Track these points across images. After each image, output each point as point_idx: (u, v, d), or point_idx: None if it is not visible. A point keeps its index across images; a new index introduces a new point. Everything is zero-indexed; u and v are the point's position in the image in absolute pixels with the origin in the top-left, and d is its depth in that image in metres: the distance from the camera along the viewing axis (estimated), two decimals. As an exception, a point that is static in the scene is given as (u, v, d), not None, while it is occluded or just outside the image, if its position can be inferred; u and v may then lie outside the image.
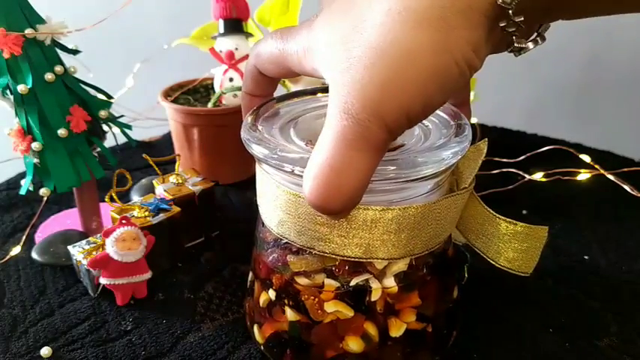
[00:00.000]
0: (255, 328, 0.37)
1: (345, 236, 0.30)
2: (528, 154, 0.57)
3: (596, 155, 0.59)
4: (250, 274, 0.39)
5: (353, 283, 0.32)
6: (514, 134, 0.73)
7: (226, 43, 0.56)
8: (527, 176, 0.55)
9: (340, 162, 0.23)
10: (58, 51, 0.44)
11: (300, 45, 0.28)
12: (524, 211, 0.55)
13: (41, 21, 0.42)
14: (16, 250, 0.47)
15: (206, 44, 0.60)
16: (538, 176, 0.55)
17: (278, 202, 0.32)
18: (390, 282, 0.33)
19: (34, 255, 0.47)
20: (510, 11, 0.22)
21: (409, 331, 0.34)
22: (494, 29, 0.23)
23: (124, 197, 0.54)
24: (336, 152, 0.23)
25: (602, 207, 0.55)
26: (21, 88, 0.41)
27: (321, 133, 0.24)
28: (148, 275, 0.42)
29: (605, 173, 0.53)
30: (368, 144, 0.23)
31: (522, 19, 0.22)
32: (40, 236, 0.50)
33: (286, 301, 0.34)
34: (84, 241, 0.44)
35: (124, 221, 0.41)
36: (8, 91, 0.43)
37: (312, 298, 0.33)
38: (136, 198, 0.53)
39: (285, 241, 0.33)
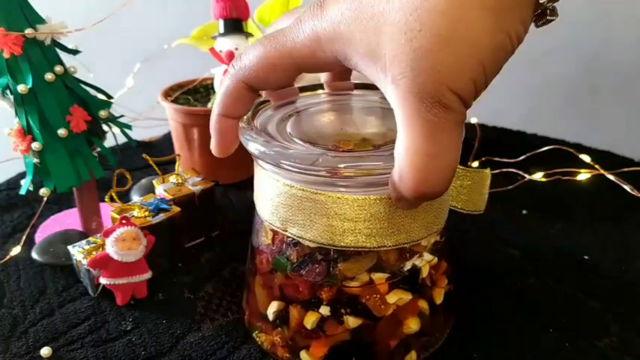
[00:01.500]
0: (303, 354, 0.35)
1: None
2: (528, 154, 0.57)
3: (596, 155, 0.59)
4: (273, 309, 0.35)
5: (408, 267, 0.34)
6: (514, 134, 0.73)
7: (226, 43, 0.56)
8: (527, 176, 0.55)
9: (435, 146, 0.25)
10: (58, 51, 0.44)
11: (310, 35, 0.27)
12: (524, 211, 0.55)
13: (41, 21, 0.42)
14: (16, 250, 0.47)
15: (206, 44, 0.60)
16: (538, 176, 0.55)
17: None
18: (429, 256, 0.35)
19: (34, 255, 0.47)
20: None
21: (445, 295, 0.37)
22: (538, 4, 0.25)
23: (124, 197, 0.54)
24: (429, 137, 0.25)
25: (602, 207, 0.55)
26: (21, 88, 0.41)
27: (399, 123, 0.25)
28: (148, 275, 0.42)
29: (605, 173, 0.53)
30: (455, 121, 0.25)
31: None
32: (40, 236, 0.50)
33: (343, 311, 0.33)
34: (84, 241, 0.44)
35: (124, 221, 0.41)
36: (8, 91, 0.43)
37: (375, 295, 0.33)
38: (136, 198, 0.53)
39: (316, 254, 0.33)
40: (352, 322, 0.33)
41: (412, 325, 0.35)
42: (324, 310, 0.33)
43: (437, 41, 0.23)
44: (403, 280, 0.34)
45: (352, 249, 0.32)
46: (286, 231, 0.32)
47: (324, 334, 0.34)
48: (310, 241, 0.32)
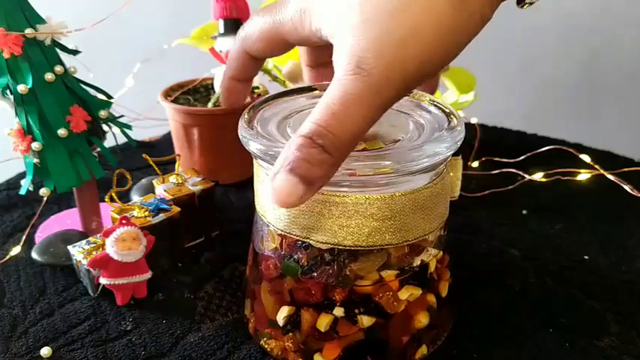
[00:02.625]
0: (317, 357, 0.35)
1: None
2: (528, 154, 0.57)
3: (596, 155, 0.59)
4: (284, 315, 0.35)
5: (417, 262, 0.34)
6: (514, 134, 0.73)
7: (226, 43, 0.56)
8: (527, 176, 0.55)
9: (343, 112, 0.24)
10: (58, 51, 0.44)
11: (294, 10, 0.28)
12: (524, 211, 0.55)
13: (41, 21, 0.42)
14: (16, 250, 0.47)
15: (206, 44, 0.60)
16: (538, 176, 0.55)
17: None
18: (435, 250, 0.35)
19: (34, 255, 0.47)
20: None
21: (448, 287, 0.37)
22: None
23: (124, 197, 0.54)
24: (342, 102, 0.24)
25: (602, 207, 0.55)
26: (21, 88, 0.41)
27: (329, 86, 0.24)
28: (148, 275, 0.42)
29: (605, 173, 0.53)
30: (379, 99, 0.24)
31: None
32: (40, 236, 0.50)
33: (357, 310, 0.34)
34: (84, 241, 0.44)
35: (124, 221, 0.41)
36: (8, 91, 0.43)
37: (387, 293, 0.33)
38: (136, 198, 0.53)
39: (326, 255, 0.33)
40: (366, 321, 0.34)
41: (422, 319, 0.35)
42: (338, 311, 0.34)
43: (389, 12, 0.23)
44: (412, 276, 0.34)
45: (364, 248, 0.32)
46: (295, 235, 0.32)
47: (337, 336, 0.34)
48: (322, 242, 0.32)
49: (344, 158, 0.25)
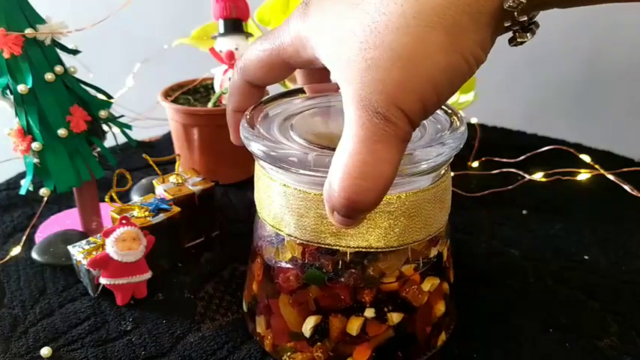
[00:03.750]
0: None
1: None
2: (528, 154, 0.57)
3: (596, 155, 0.59)
4: (310, 325, 0.34)
5: (434, 253, 0.35)
6: (514, 134, 0.73)
7: (226, 43, 0.56)
8: (527, 176, 0.55)
9: (371, 156, 0.24)
10: (58, 51, 0.44)
11: (294, 35, 0.28)
12: (524, 211, 0.55)
13: (41, 21, 0.42)
14: (16, 250, 0.47)
15: (206, 44, 0.60)
16: (538, 176, 0.55)
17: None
18: (446, 238, 0.36)
19: (34, 255, 0.47)
20: (515, 13, 0.24)
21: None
22: (500, 27, 0.25)
23: (124, 197, 0.54)
24: (366, 147, 0.24)
25: (602, 207, 0.55)
26: (21, 88, 0.41)
27: (344, 132, 0.25)
28: (148, 275, 0.42)
29: (605, 173, 0.53)
30: (395, 136, 0.25)
31: (525, 18, 0.24)
32: (40, 236, 0.50)
33: (386, 309, 0.34)
34: (84, 241, 0.44)
35: (124, 221, 0.41)
36: (8, 91, 0.43)
37: (413, 287, 0.34)
38: (136, 198, 0.53)
39: (350, 259, 0.33)
40: (396, 317, 0.34)
41: (441, 307, 0.36)
42: (369, 312, 0.33)
43: (388, 56, 0.24)
44: (431, 267, 0.35)
45: (395, 248, 0.32)
46: (325, 243, 0.32)
47: (368, 337, 0.34)
48: (352, 247, 0.31)
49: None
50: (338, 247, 0.32)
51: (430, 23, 0.23)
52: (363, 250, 0.32)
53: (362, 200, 0.25)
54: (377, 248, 0.31)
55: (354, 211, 0.26)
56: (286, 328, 0.35)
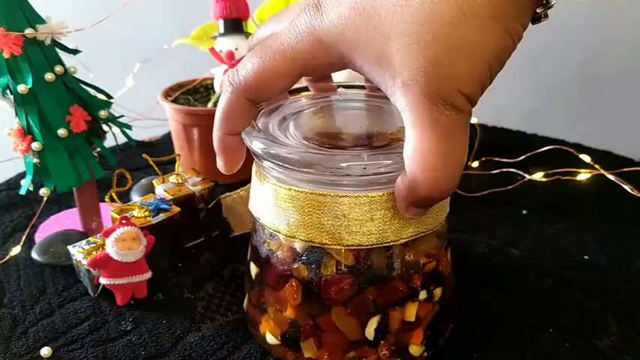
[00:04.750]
0: (412, 348, 0.35)
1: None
2: (528, 154, 0.57)
3: (596, 155, 0.59)
4: (374, 326, 0.34)
5: (445, 228, 0.36)
6: (514, 134, 0.73)
7: (226, 43, 0.56)
8: (527, 176, 0.55)
9: (448, 145, 0.26)
10: (58, 51, 0.44)
11: (310, 39, 0.27)
12: (524, 211, 0.55)
13: (41, 21, 0.42)
14: (16, 250, 0.47)
15: (206, 44, 0.60)
16: (538, 176, 0.55)
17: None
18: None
19: (34, 255, 0.47)
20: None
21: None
22: (538, 3, 0.27)
23: (124, 197, 0.54)
24: (443, 140, 0.26)
25: (602, 207, 0.55)
26: (21, 88, 0.41)
27: (409, 126, 0.26)
28: (148, 275, 0.42)
29: (605, 173, 0.53)
30: (464, 121, 0.26)
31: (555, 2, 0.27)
32: (40, 236, 0.50)
33: (431, 287, 0.35)
34: (84, 241, 0.44)
35: (124, 221, 0.41)
36: (8, 91, 0.43)
37: (444, 260, 0.36)
38: (136, 198, 0.53)
39: (395, 250, 0.33)
40: (438, 292, 0.36)
41: (450, 275, 0.38)
42: (422, 294, 0.34)
43: (449, 51, 0.25)
44: (445, 240, 0.37)
45: (431, 231, 0.33)
46: (392, 240, 0.32)
47: (421, 318, 0.35)
48: (405, 237, 0.32)
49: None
50: (394, 243, 0.32)
51: (484, 14, 0.25)
52: (414, 236, 0.32)
53: (447, 189, 0.27)
54: (424, 232, 0.33)
55: (436, 201, 0.28)
56: (344, 340, 0.34)
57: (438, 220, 0.33)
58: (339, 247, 0.32)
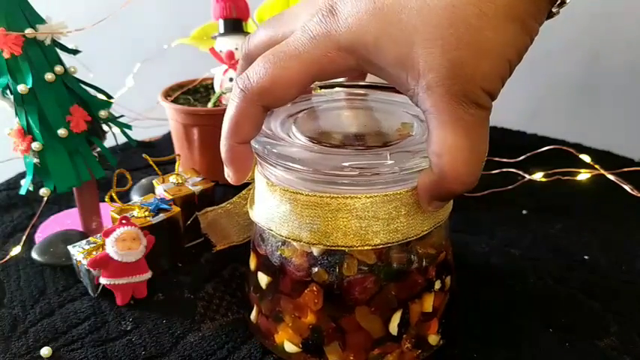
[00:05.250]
0: (430, 338, 0.36)
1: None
2: (528, 154, 0.57)
3: (596, 155, 0.59)
4: (397, 321, 0.34)
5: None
6: (514, 134, 0.73)
7: (226, 43, 0.56)
8: (527, 176, 0.55)
9: (473, 141, 0.27)
10: (58, 51, 0.44)
11: (326, 43, 0.27)
12: (524, 211, 0.55)
13: (41, 21, 0.42)
14: (16, 250, 0.47)
15: (206, 44, 0.60)
16: (538, 176, 0.55)
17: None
18: None
19: (34, 255, 0.47)
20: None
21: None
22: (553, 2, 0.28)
23: (124, 197, 0.54)
24: (469, 137, 0.27)
25: (602, 207, 0.55)
26: (21, 88, 0.41)
27: (434, 126, 0.27)
28: (148, 275, 0.42)
29: (605, 173, 0.53)
30: (486, 117, 0.27)
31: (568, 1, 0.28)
32: (40, 236, 0.50)
33: (444, 276, 0.36)
34: (84, 241, 0.44)
35: (124, 221, 0.41)
36: (8, 91, 0.43)
37: (450, 250, 0.37)
38: (136, 198, 0.53)
39: (412, 247, 0.33)
40: (448, 281, 0.36)
41: (453, 263, 0.39)
42: (437, 284, 0.35)
43: (474, 53, 0.26)
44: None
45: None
46: (414, 235, 0.32)
47: (437, 308, 0.36)
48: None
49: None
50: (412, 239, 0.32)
51: (504, 15, 0.25)
52: (431, 228, 0.33)
53: (473, 181, 0.28)
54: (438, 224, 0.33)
55: (460, 194, 0.29)
56: (368, 339, 0.34)
57: (447, 211, 0.34)
58: (366, 248, 0.32)
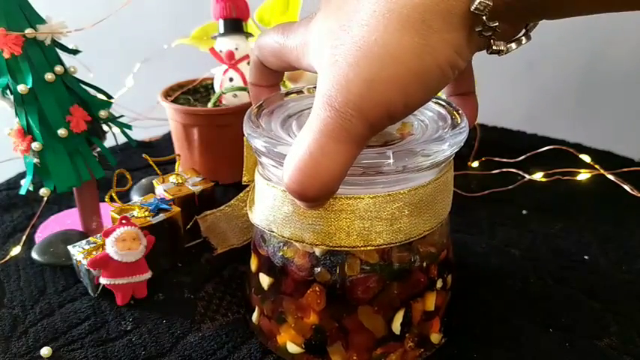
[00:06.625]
0: (433, 336, 0.36)
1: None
2: (528, 154, 0.57)
3: (596, 155, 0.59)
4: (400, 320, 0.34)
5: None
6: (514, 134, 0.73)
7: (226, 43, 0.56)
8: (527, 176, 0.55)
9: (319, 151, 0.24)
10: (58, 51, 0.44)
11: (298, 41, 0.28)
12: (524, 211, 0.55)
13: (41, 21, 0.42)
14: (16, 250, 0.47)
15: (206, 44, 0.60)
16: (538, 176, 0.55)
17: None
18: None
19: (34, 255, 0.47)
20: (484, 17, 0.22)
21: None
22: (474, 32, 0.23)
23: (124, 197, 0.54)
24: (317, 141, 0.24)
25: (602, 207, 0.55)
26: (21, 88, 0.41)
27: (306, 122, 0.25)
28: (148, 275, 0.42)
29: (605, 173, 0.53)
30: (348, 136, 0.24)
31: (497, 24, 0.23)
32: (40, 236, 0.50)
33: (445, 274, 0.36)
34: (84, 241, 0.44)
35: (124, 221, 0.41)
36: (8, 91, 0.43)
37: (450, 249, 0.38)
38: (136, 198, 0.53)
39: (413, 245, 0.34)
40: (450, 279, 0.37)
41: (454, 261, 0.39)
42: (439, 283, 0.35)
43: (354, 53, 0.23)
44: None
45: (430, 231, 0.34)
46: (416, 234, 0.32)
47: (438, 306, 0.36)
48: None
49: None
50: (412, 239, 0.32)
51: (400, 22, 0.22)
52: (433, 229, 0.33)
53: (305, 192, 0.25)
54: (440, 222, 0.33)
55: (302, 200, 0.26)
56: (371, 338, 0.34)
57: (447, 210, 0.34)
58: (370, 249, 0.32)
